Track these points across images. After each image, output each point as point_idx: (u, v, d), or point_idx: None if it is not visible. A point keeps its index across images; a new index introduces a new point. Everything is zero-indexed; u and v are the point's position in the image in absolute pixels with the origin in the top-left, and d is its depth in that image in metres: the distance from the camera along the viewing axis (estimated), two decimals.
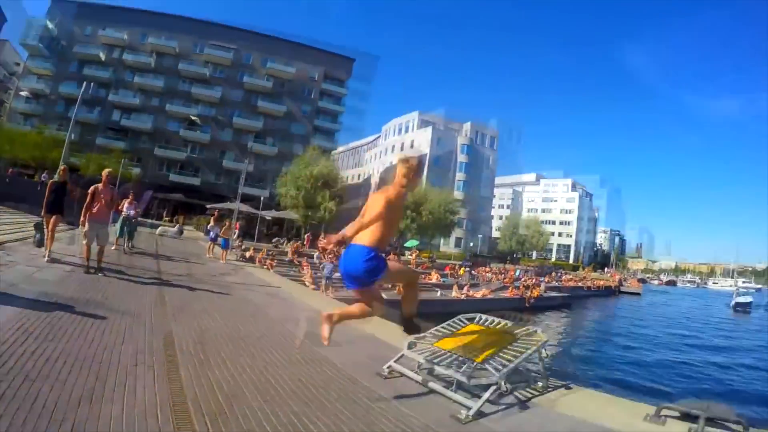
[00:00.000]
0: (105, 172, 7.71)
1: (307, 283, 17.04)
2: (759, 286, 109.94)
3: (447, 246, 56.37)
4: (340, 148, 70.19)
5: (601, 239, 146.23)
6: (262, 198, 33.36)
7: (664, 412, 3.39)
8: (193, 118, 41.59)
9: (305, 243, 29.74)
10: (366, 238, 3.09)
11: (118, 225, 11.63)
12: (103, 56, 44.76)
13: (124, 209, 12.12)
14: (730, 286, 70.75)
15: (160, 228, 22.78)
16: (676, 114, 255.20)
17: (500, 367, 3.45)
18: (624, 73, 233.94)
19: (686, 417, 3.24)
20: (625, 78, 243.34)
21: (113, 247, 11.05)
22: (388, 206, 3.12)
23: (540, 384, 4.04)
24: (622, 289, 59.41)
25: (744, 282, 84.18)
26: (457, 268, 33.77)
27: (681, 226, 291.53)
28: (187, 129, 44.27)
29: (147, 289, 6.89)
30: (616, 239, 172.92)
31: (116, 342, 3.84)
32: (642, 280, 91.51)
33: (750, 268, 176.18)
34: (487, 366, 3.48)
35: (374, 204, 3.19)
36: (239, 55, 47.45)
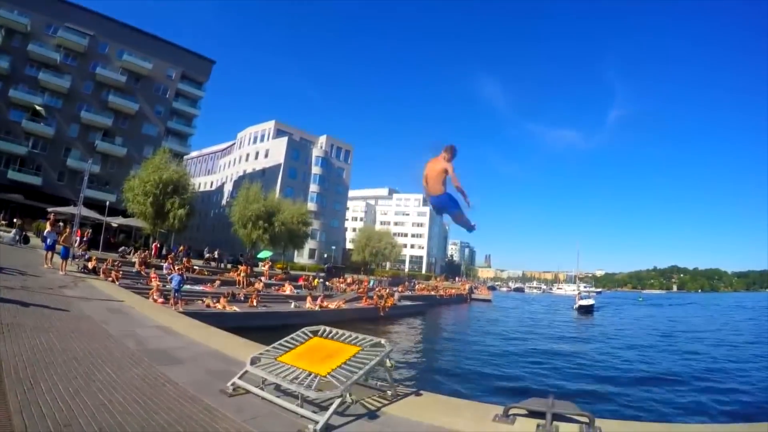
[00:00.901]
0: None
1: (154, 297, 16.27)
2: (599, 289, 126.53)
3: (301, 257, 56.10)
4: (193, 153, 67.52)
5: (452, 250, 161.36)
6: (108, 203, 31.55)
7: (513, 411, 3.45)
8: (38, 108, 37.36)
9: (153, 253, 28.78)
10: None
11: None
12: None
13: None
14: (573, 291, 74.03)
15: None
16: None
17: (344, 380, 3.47)
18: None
19: (533, 414, 3.35)
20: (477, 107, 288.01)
21: None
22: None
23: (389, 393, 4.12)
24: (473, 296, 62.65)
25: (585, 287, 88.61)
26: (311, 279, 33.46)
27: (527, 238, 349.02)
28: (30, 120, 39.53)
29: None
30: (466, 250, 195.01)
31: None
32: (491, 288, 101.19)
33: (590, 275, 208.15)
34: (331, 379, 3.51)
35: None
36: (95, 42, 43.69)
